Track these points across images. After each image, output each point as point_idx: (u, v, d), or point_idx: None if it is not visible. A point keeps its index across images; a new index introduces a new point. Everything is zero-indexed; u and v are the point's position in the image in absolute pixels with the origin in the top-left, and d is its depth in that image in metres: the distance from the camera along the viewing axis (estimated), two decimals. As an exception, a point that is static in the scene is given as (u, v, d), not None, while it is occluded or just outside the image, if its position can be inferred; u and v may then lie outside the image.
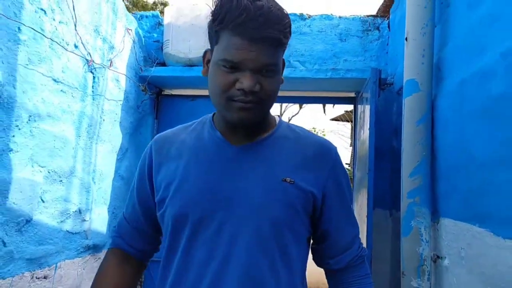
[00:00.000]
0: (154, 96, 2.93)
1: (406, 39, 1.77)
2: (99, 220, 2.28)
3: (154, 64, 2.76)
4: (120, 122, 2.47)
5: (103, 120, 2.24)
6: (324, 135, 9.35)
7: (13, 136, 1.50)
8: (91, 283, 0.90)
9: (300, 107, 8.54)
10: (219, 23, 0.75)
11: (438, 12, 1.72)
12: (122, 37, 2.43)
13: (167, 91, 3.01)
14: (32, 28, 1.56)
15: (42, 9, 1.62)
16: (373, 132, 2.15)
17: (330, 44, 2.85)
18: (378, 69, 2.30)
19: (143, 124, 2.85)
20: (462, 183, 1.37)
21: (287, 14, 0.77)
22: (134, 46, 2.62)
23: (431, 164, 1.62)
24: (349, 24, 2.90)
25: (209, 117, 0.92)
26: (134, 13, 2.87)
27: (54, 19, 1.71)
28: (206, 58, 0.85)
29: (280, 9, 0.76)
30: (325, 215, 0.87)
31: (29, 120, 1.58)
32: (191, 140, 0.89)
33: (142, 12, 2.97)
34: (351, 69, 2.61)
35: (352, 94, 2.88)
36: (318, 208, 0.85)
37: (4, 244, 1.53)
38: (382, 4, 2.99)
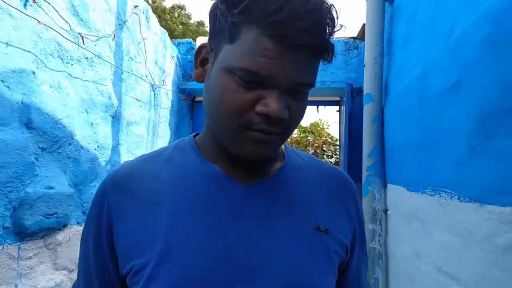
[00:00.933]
0: (190, 103, 3.92)
1: (364, 66, 2.70)
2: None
3: (190, 79, 3.75)
4: (168, 123, 3.47)
5: (160, 122, 3.24)
6: (329, 125, 10.24)
7: (120, 135, 2.49)
8: None
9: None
10: (241, 12, 0.49)
11: (386, 48, 2.63)
12: (169, 63, 3.41)
13: (198, 98, 4.00)
14: (127, 71, 2.55)
15: (131, 57, 2.61)
16: (347, 127, 3.09)
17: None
18: (350, 83, 3.24)
19: (182, 123, 3.84)
20: (396, 160, 2.31)
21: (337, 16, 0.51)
22: (176, 67, 3.60)
23: (381, 149, 2.56)
24: (335, 44, 3.82)
25: (188, 143, 0.66)
26: (173, 41, 3.84)
27: (136, 62, 2.70)
28: (201, 55, 0.60)
29: (333, 7, 0.51)
30: (348, 267, 0.67)
31: (126, 125, 2.57)
32: (170, 175, 0.61)
33: (179, 40, 3.93)
34: (335, 81, 3.55)
35: (338, 98, 3.82)
36: (345, 262, 0.65)
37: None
38: (361, 28, 3.90)
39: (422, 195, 1.68)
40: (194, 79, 0.60)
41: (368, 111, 2.49)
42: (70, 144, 1.86)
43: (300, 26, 0.47)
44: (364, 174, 2.49)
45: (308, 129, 9.88)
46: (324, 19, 0.49)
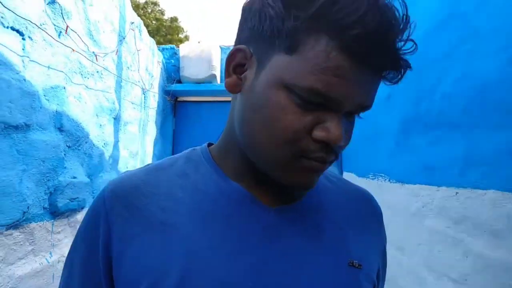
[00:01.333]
0: (173, 103, 4.36)
1: None
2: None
3: (174, 82, 4.19)
4: (155, 122, 3.90)
5: (148, 121, 3.68)
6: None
7: (119, 134, 2.92)
8: None
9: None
10: (311, 17, 0.40)
11: None
12: (156, 68, 3.84)
13: (181, 99, 4.44)
14: (125, 79, 2.98)
15: (128, 67, 3.03)
16: None
17: None
18: None
19: (166, 121, 4.28)
20: (348, 153, 2.87)
21: None
22: (161, 71, 4.04)
23: None
24: None
25: (202, 154, 0.58)
26: (158, 47, 4.26)
27: (131, 70, 3.13)
28: (235, 61, 0.49)
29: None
30: None
31: (123, 125, 3.01)
32: (185, 192, 0.52)
33: (163, 46, 4.35)
34: None
35: None
36: None
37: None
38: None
39: (367, 179, 2.24)
40: (226, 89, 0.50)
41: None
42: (86, 142, 2.29)
43: (389, 41, 0.39)
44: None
45: None
46: (407, 33, 0.41)
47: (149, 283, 0.46)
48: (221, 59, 4.24)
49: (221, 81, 4.18)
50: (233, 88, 0.50)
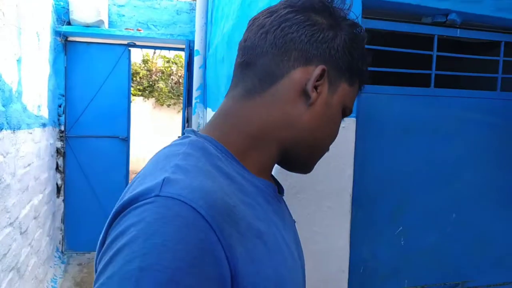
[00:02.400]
0: (64, 43, 4.80)
1: (195, 30, 4.08)
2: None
3: (64, 23, 4.62)
4: (48, 60, 4.38)
5: (41, 59, 4.16)
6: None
7: (21, 73, 3.46)
8: None
9: (154, 53, 10.75)
10: (367, 64, 0.67)
11: (210, 18, 4.01)
12: (47, 9, 4.25)
13: (71, 39, 4.89)
14: (16, 20, 3.46)
15: (17, 5, 3.49)
16: (186, 69, 4.50)
17: (171, 16, 5.01)
18: (189, 39, 4.60)
19: (58, 59, 4.75)
20: (211, 92, 3.83)
21: None
22: (52, 13, 4.44)
23: (204, 85, 4.05)
24: (183, 4, 5.07)
25: (221, 151, 0.57)
26: (47, -12, 4.58)
27: (23, 10, 3.58)
28: (320, 80, 0.60)
29: None
30: None
31: (20, 63, 3.53)
32: (244, 195, 0.54)
33: (52, -12, 4.69)
34: (181, 34, 4.86)
35: (183, 46, 5.16)
36: None
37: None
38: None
39: None
40: (313, 102, 0.60)
41: (197, 61, 3.93)
42: (-1, 80, 2.88)
43: None
44: (194, 101, 3.98)
45: (172, 60, 10.98)
46: None
47: None
48: (108, 5, 4.75)
49: (109, 26, 4.73)
50: (314, 101, 0.60)
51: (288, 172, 0.72)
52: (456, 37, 1.53)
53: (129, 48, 4.99)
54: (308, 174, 0.72)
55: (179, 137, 0.64)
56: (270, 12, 0.63)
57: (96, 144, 4.96)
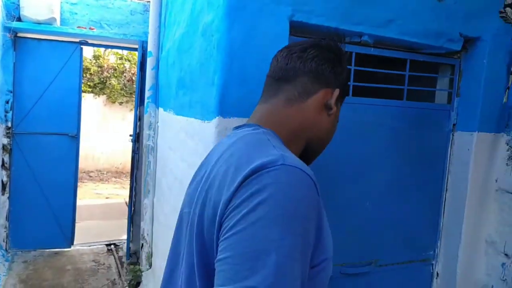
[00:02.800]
0: (13, 38, 4.75)
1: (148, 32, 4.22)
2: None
3: (14, 19, 4.58)
4: None
5: None
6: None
7: None
8: None
9: (105, 50, 10.70)
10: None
11: (163, 21, 4.17)
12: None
13: (21, 35, 4.85)
14: None
15: None
16: (139, 69, 4.62)
17: (125, 16, 5.10)
18: (143, 40, 4.72)
19: (7, 55, 4.69)
20: (163, 93, 3.99)
21: None
22: (2, 8, 4.40)
23: (156, 86, 4.19)
24: (136, 5, 5.17)
25: (282, 144, 0.82)
26: (-4, -17, 4.53)
27: None
28: (334, 98, 0.91)
29: None
30: None
31: None
32: None
33: (1, -18, 4.63)
34: (135, 34, 4.96)
35: (136, 46, 5.26)
36: None
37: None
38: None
39: (178, 116, 3.40)
40: (332, 114, 0.92)
41: (150, 62, 4.08)
42: None
43: None
44: (146, 101, 4.11)
45: (125, 57, 10.83)
46: None
47: (329, 257, 0.72)
48: (61, 3, 4.77)
49: (61, 24, 4.75)
50: (334, 112, 0.91)
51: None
52: (370, 54, 1.84)
53: (81, 46, 5.02)
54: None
55: (247, 128, 0.87)
56: (303, 47, 0.91)
57: (44, 141, 4.94)
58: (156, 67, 4.03)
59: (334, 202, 1.88)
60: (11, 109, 4.78)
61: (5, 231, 4.90)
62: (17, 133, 4.82)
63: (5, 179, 4.82)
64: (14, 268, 4.56)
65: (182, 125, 2.52)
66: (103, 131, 10.73)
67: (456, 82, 2.08)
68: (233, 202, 0.65)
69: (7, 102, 4.76)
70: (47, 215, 5.02)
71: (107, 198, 8.77)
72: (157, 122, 3.96)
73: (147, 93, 4.04)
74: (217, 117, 1.54)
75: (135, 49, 5.32)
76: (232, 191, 0.66)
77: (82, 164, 10.01)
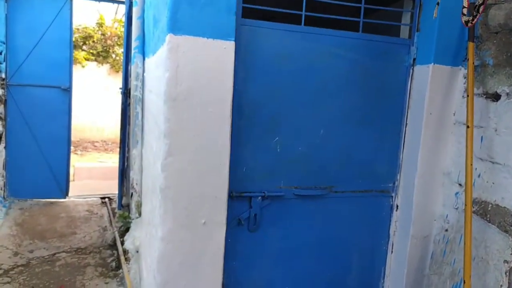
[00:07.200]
0: None
1: None
2: None
3: None
4: None
5: None
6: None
7: None
8: None
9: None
10: None
11: None
12: None
13: None
14: None
15: None
16: (127, 22, 4.66)
17: None
18: None
19: None
20: (148, 44, 4.04)
21: None
22: None
23: (142, 35, 4.23)
24: None
25: None
26: None
27: None
28: None
29: None
30: None
31: None
32: None
33: None
34: None
35: None
36: None
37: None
38: None
39: (154, 56, 3.45)
40: None
41: (135, 12, 4.10)
42: None
43: None
44: (132, 51, 4.16)
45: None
46: None
47: None
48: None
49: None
50: None
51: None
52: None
53: (72, -1, 5.05)
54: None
55: None
56: None
57: (38, 93, 5.04)
58: (142, 17, 4.07)
59: (286, 128, 1.96)
60: (4, 61, 4.87)
61: (2, 180, 5.09)
62: (11, 84, 4.93)
63: (0, 129, 4.97)
64: (11, 214, 4.78)
65: (154, 60, 2.59)
66: (107, 102, 10.24)
67: (416, 17, 2.12)
68: None
69: (0, 53, 4.84)
70: (43, 166, 5.19)
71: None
72: (144, 72, 4.01)
73: (134, 44, 4.09)
74: (168, 34, 1.61)
75: (122, 2, 5.34)
76: None
77: (87, 134, 10.07)
